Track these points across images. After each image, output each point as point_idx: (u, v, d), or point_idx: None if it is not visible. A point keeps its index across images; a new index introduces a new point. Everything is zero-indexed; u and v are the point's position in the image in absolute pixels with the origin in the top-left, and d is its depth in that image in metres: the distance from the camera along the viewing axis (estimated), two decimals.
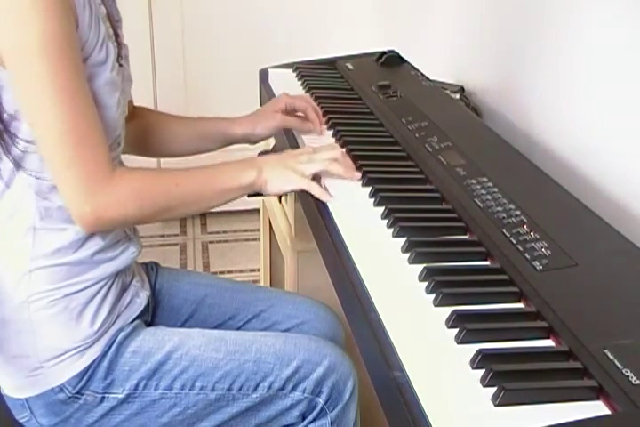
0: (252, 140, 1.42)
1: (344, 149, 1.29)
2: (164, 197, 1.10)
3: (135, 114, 1.34)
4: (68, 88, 0.98)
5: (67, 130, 0.99)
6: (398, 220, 1.07)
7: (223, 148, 1.43)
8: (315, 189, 1.15)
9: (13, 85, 1.00)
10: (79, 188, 1.01)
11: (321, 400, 1.16)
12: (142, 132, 1.36)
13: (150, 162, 1.48)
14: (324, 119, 1.45)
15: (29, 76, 0.97)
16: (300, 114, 1.43)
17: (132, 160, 1.27)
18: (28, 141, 1.04)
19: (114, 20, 1.14)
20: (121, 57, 1.14)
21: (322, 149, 1.22)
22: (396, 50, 1.80)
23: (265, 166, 1.15)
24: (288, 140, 1.40)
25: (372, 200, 1.14)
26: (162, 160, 2.64)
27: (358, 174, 1.20)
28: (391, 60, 1.76)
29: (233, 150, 1.47)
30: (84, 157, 1.01)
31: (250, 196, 1.52)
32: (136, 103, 1.37)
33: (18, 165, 1.06)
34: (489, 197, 1.12)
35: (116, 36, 1.14)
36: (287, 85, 1.65)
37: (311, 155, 1.18)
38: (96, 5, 1.06)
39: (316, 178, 1.19)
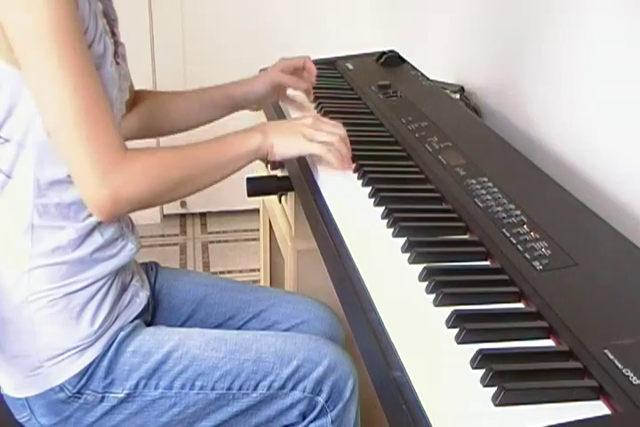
0: (254, 101, 1.44)
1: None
2: (177, 170, 1.09)
3: (138, 97, 1.35)
4: (79, 71, 0.99)
5: (80, 113, 0.99)
6: (398, 220, 1.07)
7: (229, 114, 1.44)
8: (330, 156, 1.16)
9: (24, 73, 0.99)
10: (96, 171, 1.01)
11: (321, 399, 1.16)
12: (148, 114, 1.37)
13: (149, 143, 1.48)
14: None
15: (41, 61, 0.97)
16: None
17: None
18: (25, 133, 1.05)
19: (110, 19, 1.15)
20: (118, 55, 1.15)
21: (327, 121, 1.22)
22: (395, 50, 1.80)
23: (270, 130, 1.16)
24: (277, 115, 1.43)
25: (372, 200, 1.14)
26: (161, 140, 2.66)
27: (351, 166, 1.21)
28: (391, 60, 1.76)
29: None
30: (99, 140, 1.00)
31: (250, 195, 1.52)
32: None
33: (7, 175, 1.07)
34: (489, 197, 1.12)
35: (113, 34, 1.14)
36: None
37: (316, 119, 1.19)
38: (94, 0, 1.07)
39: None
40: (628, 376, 0.75)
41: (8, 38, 0.97)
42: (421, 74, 1.69)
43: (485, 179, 1.17)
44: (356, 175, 1.22)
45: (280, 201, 1.77)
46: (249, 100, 1.44)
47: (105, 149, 1.01)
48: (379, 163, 1.26)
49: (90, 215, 1.10)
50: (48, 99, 1.00)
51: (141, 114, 1.36)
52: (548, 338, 0.86)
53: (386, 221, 1.08)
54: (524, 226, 1.03)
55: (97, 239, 1.13)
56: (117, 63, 1.14)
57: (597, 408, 0.75)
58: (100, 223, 1.12)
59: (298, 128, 1.17)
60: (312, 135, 1.16)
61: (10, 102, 1.03)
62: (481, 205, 1.10)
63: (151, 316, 1.28)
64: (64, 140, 1.01)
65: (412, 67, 1.74)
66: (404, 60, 1.77)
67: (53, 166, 1.05)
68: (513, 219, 1.05)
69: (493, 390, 0.75)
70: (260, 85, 1.43)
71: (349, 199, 1.16)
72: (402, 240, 1.02)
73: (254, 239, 2.79)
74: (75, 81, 0.98)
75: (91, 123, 1.00)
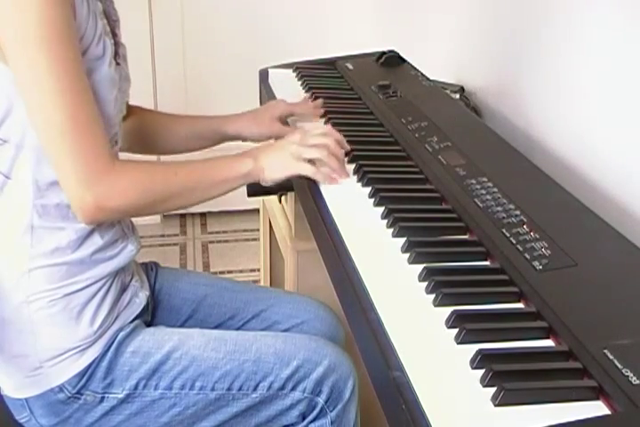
0: (244, 140, 1.43)
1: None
2: (164, 186, 1.10)
3: (131, 112, 1.34)
4: (68, 76, 0.98)
5: (67, 118, 0.99)
6: (398, 220, 1.07)
7: (217, 144, 1.43)
8: (318, 176, 1.17)
9: (14, 74, 0.99)
10: (80, 176, 1.01)
11: (321, 400, 1.16)
12: (138, 131, 1.37)
13: (149, 157, 1.49)
14: (324, 119, 1.45)
15: (30, 63, 0.97)
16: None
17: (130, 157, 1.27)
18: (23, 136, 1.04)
19: (111, 20, 1.14)
20: (118, 56, 1.14)
21: (315, 129, 1.22)
22: (395, 50, 1.80)
23: (260, 155, 1.16)
24: None
25: (372, 200, 1.14)
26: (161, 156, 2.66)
27: (347, 176, 1.20)
28: (391, 60, 1.76)
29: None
30: (85, 146, 1.00)
31: (250, 195, 1.53)
32: (136, 103, 1.37)
33: (6, 176, 1.07)
34: (489, 197, 1.12)
35: (114, 35, 1.14)
36: (287, 85, 1.65)
37: (304, 134, 1.19)
38: (93, 0, 1.06)
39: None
40: (628, 376, 0.75)
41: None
42: (421, 74, 1.69)
43: (485, 179, 1.17)
44: (356, 175, 1.22)
45: (280, 201, 1.77)
46: (240, 139, 1.42)
47: (90, 159, 1.01)
48: (379, 163, 1.26)
49: None
50: (35, 103, 0.99)
51: (132, 130, 1.35)
52: (548, 338, 0.86)
53: (386, 221, 1.08)
54: (524, 226, 1.03)
55: (96, 241, 1.13)
56: (118, 64, 1.14)
57: (597, 408, 0.75)
58: (99, 225, 1.12)
59: (286, 147, 1.17)
60: (300, 153, 1.16)
61: (7, 103, 1.02)
62: (481, 205, 1.10)
63: (151, 316, 1.28)
64: (51, 144, 1.01)
65: (412, 67, 1.74)
66: (403, 60, 1.77)
67: (52, 167, 1.05)
68: (513, 219, 1.05)
69: (493, 390, 0.75)
70: (256, 136, 1.40)
71: (349, 199, 1.16)
72: (402, 240, 1.02)
73: (254, 239, 2.80)
74: (63, 87, 0.98)
75: (78, 129, 1.00)
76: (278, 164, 1.16)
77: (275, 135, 1.40)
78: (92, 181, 1.01)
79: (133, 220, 1.25)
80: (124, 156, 1.23)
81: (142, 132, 1.37)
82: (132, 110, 1.35)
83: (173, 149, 1.42)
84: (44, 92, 0.98)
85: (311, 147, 1.17)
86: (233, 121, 1.40)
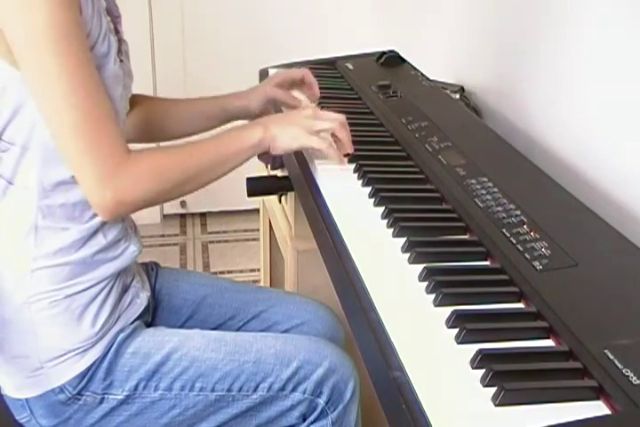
0: (249, 115, 1.42)
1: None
2: (180, 169, 1.09)
3: (134, 102, 1.35)
4: (79, 74, 0.98)
5: (81, 116, 0.99)
6: (398, 220, 1.07)
7: (223, 125, 1.42)
8: (330, 151, 1.17)
9: (24, 76, 0.99)
10: (98, 173, 1.01)
11: (321, 401, 1.16)
12: (143, 120, 1.37)
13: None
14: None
15: (40, 65, 0.97)
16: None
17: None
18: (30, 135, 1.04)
19: (113, 16, 1.14)
20: (121, 52, 1.15)
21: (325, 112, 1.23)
22: (395, 50, 1.80)
23: (270, 123, 1.16)
24: None
25: (372, 200, 1.14)
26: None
27: (352, 149, 1.22)
28: (391, 60, 1.76)
29: None
30: (100, 143, 1.00)
31: (250, 195, 1.52)
32: None
33: (9, 181, 1.07)
34: (489, 197, 1.12)
35: (116, 31, 1.14)
36: None
37: (316, 110, 1.19)
38: None
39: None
40: (628, 376, 0.75)
41: (7, 40, 0.97)
42: (421, 74, 1.69)
43: (485, 179, 1.17)
44: (356, 175, 1.22)
45: (280, 201, 1.77)
46: (244, 114, 1.42)
47: (107, 154, 1.01)
48: (379, 163, 1.26)
49: (93, 217, 1.10)
50: (48, 103, 0.99)
51: (137, 119, 1.35)
52: (548, 338, 0.86)
53: (386, 221, 1.08)
54: (524, 226, 1.03)
55: (100, 241, 1.12)
56: (121, 60, 1.14)
57: (597, 408, 0.75)
58: (103, 225, 1.12)
59: (298, 120, 1.17)
60: (312, 125, 1.16)
61: (16, 103, 1.02)
62: (481, 205, 1.10)
63: (151, 316, 1.28)
64: (66, 144, 1.01)
65: (412, 67, 1.74)
66: (404, 60, 1.77)
67: (58, 167, 1.05)
68: (513, 219, 1.05)
69: (493, 390, 0.75)
70: (255, 102, 1.40)
71: (349, 199, 1.16)
72: (402, 240, 1.02)
73: (254, 239, 2.80)
74: (75, 85, 0.98)
75: (92, 127, 1.00)
76: (290, 134, 1.15)
77: (270, 96, 1.40)
78: (110, 177, 1.01)
79: (134, 219, 1.25)
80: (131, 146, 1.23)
81: (147, 120, 1.37)
82: (135, 99, 1.35)
83: (179, 133, 1.41)
84: (56, 92, 0.98)
85: (323, 119, 1.17)
86: (234, 95, 1.40)
